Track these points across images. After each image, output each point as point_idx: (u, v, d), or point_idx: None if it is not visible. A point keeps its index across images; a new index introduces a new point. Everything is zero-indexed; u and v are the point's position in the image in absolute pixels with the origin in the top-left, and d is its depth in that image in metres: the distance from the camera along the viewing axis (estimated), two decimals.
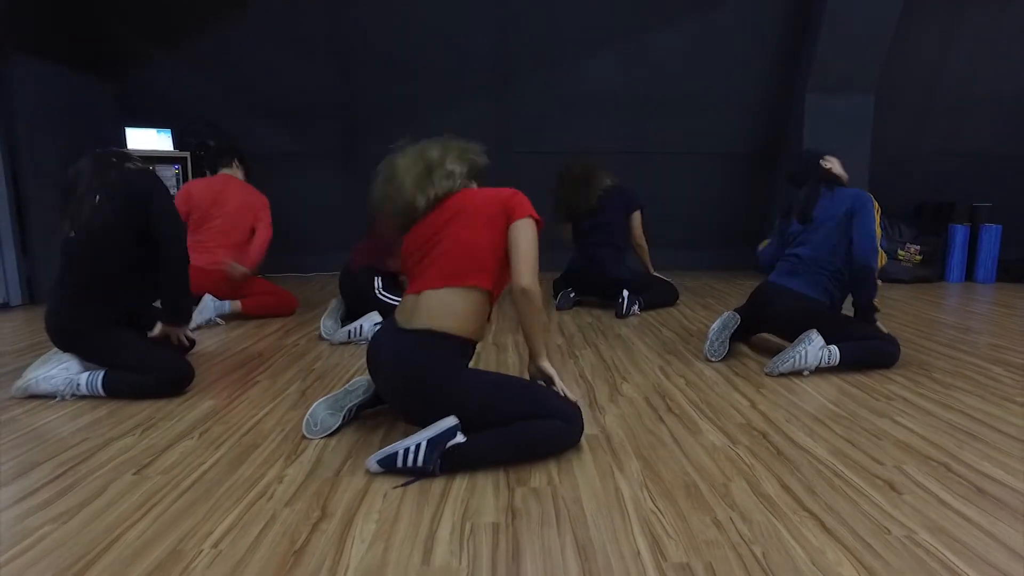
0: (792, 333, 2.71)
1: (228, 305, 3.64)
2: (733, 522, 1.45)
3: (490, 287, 1.84)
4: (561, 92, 5.23)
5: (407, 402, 1.84)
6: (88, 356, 2.38)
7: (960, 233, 5.30)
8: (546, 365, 1.93)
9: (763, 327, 2.97)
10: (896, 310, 3.97)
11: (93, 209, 2.30)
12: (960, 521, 1.45)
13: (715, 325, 2.88)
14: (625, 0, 4.94)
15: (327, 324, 3.29)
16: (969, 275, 5.37)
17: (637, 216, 4.08)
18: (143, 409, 2.23)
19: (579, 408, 1.87)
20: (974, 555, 1.31)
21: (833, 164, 2.96)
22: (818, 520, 1.46)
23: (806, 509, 1.51)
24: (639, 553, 1.32)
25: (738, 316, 2.90)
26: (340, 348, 3.10)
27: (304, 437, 1.96)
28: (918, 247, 5.26)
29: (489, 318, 1.92)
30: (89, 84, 4.68)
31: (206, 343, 3.17)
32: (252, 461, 1.80)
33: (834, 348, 2.61)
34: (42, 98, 4.25)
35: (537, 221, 1.87)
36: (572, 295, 4.08)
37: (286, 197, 5.37)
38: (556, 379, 1.91)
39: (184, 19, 4.88)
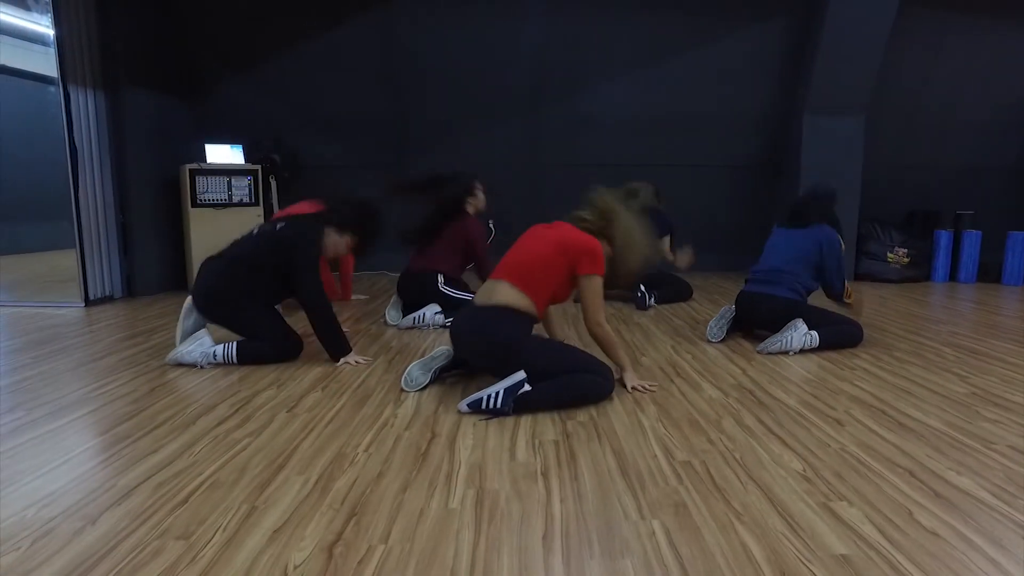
0: (778, 326, 3.33)
1: None
2: (721, 440, 2.08)
3: (537, 302, 2.49)
4: (586, 113, 5.88)
5: (487, 359, 2.48)
6: (220, 318, 3.03)
7: (944, 238, 5.88)
8: (627, 377, 2.63)
9: (754, 325, 3.59)
10: (881, 306, 4.57)
11: (262, 230, 3.02)
12: (881, 442, 2.08)
13: (716, 316, 3.53)
14: (642, 32, 5.58)
15: (391, 314, 3.95)
16: (952, 275, 5.95)
17: (667, 240, 4.66)
18: (269, 373, 2.89)
19: (611, 369, 2.51)
20: (883, 458, 1.94)
21: None
22: (781, 440, 2.09)
23: (773, 433, 2.14)
24: (656, 455, 1.96)
25: (734, 308, 3.53)
26: (406, 332, 3.76)
27: (402, 391, 2.61)
28: (905, 250, 5.84)
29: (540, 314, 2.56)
30: (174, 105, 5.38)
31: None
32: (370, 404, 2.45)
33: (814, 333, 3.23)
34: (141, 121, 4.96)
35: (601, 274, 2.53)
36: None
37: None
38: (637, 385, 2.61)
39: (255, 45, 5.59)
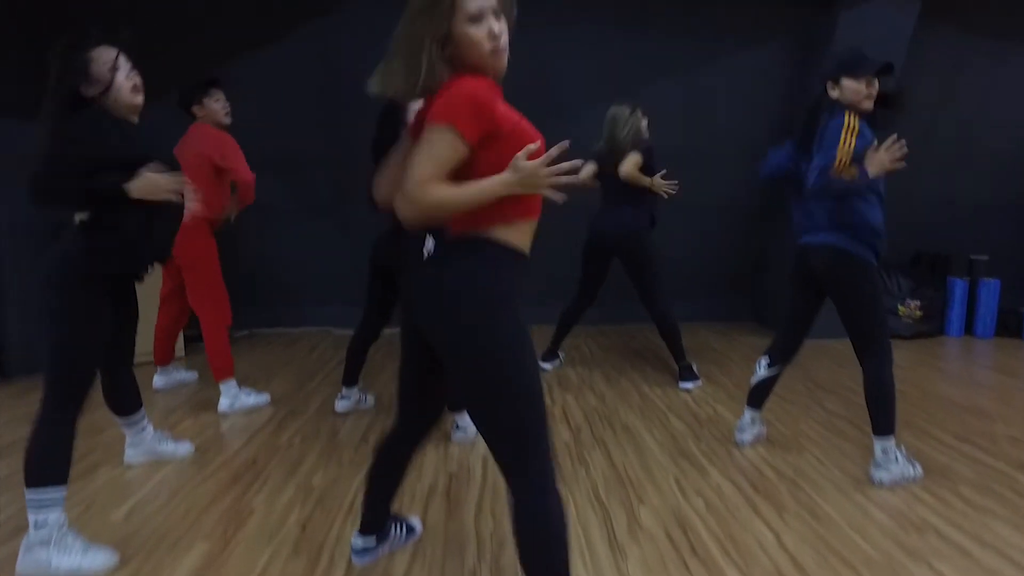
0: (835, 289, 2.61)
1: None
2: None
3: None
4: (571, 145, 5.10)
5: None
6: None
7: (959, 287, 5.26)
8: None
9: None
10: (901, 380, 3.88)
11: None
12: None
13: (745, 418, 2.91)
14: (630, 60, 4.84)
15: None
16: (968, 329, 5.33)
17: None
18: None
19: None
20: None
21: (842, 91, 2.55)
22: None
23: None
24: None
25: (770, 374, 2.85)
26: (341, 448, 2.93)
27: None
28: (918, 302, 5.20)
29: None
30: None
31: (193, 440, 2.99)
32: None
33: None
34: (11, 154, 4.03)
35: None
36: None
37: (275, 250, 5.22)
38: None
39: (178, 70, 4.70)
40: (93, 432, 2.99)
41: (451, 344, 1.41)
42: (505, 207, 1.40)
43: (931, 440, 3.01)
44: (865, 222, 2.53)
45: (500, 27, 1.40)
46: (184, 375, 3.93)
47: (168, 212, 2.13)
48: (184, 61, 4.65)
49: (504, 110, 1.41)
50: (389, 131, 2.73)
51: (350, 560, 1.96)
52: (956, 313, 5.30)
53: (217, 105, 3.38)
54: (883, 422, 2.54)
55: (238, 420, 3.32)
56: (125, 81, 2.07)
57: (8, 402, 3.60)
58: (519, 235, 1.46)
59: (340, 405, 3.38)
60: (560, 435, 3.08)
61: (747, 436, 2.94)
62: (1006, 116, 5.26)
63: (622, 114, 3.75)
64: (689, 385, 3.82)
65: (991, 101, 5.21)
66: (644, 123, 3.82)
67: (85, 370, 2.02)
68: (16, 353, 4.08)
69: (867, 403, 2.58)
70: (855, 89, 2.50)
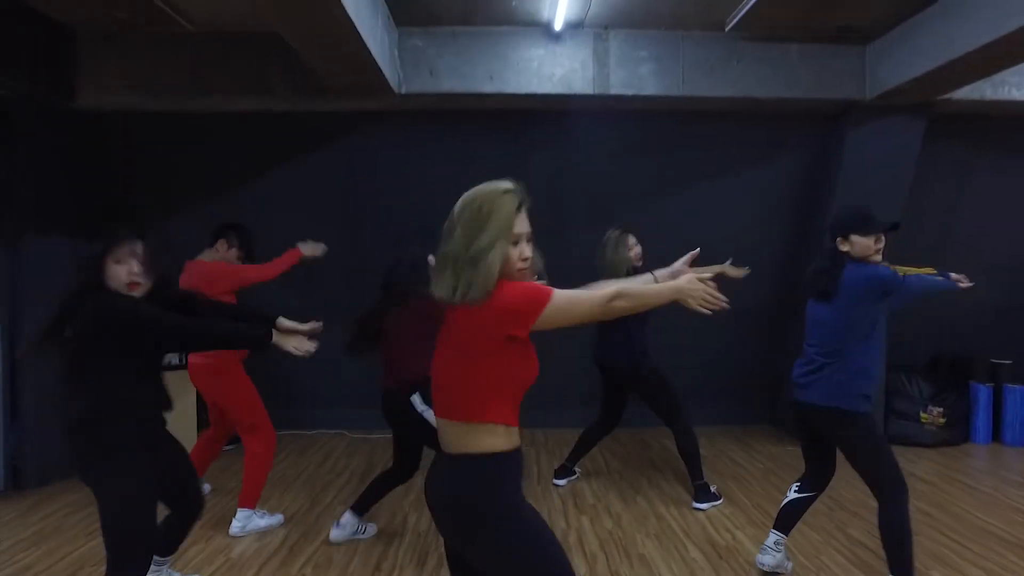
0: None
1: None
2: None
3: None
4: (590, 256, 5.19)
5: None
6: None
7: (983, 393, 5.16)
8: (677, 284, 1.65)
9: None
10: (927, 502, 3.76)
11: None
12: None
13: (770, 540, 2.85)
14: (645, 171, 4.98)
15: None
16: (996, 435, 5.19)
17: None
18: None
19: None
20: None
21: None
22: None
23: None
24: None
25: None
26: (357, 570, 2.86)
27: None
28: (941, 409, 5.08)
29: None
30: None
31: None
32: None
33: None
34: (44, 275, 4.13)
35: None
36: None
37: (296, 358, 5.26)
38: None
39: (197, 185, 4.89)
40: None
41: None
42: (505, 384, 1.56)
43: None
44: (860, 368, 2.56)
45: (529, 250, 1.58)
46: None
47: None
48: (215, 176, 4.87)
49: None
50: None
51: None
52: (982, 420, 5.18)
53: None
54: (899, 564, 2.47)
55: (250, 545, 3.26)
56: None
57: (19, 519, 3.57)
58: (508, 436, 1.59)
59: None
60: (576, 567, 2.98)
61: (768, 559, 2.85)
62: (1018, 222, 5.30)
63: (610, 238, 3.83)
64: (704, 506, 3.73)
65: (1002, 207, 5.27)
66: (628, 243, 3.84)
67: None
68: (31, 465, 4.08)
69: (883, 542, 2.53)
70: (865, 245, 2.61)
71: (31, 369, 4.08)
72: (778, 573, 2.88)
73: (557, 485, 4.10)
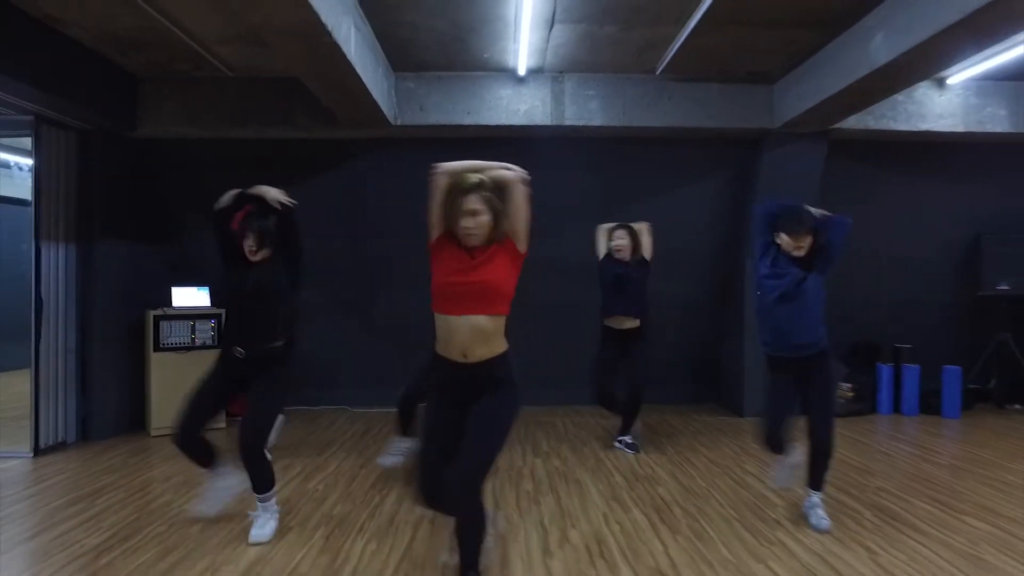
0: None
1: None
2: None
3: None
4: (546, 257, 6.14)
5: None
6: None
7: (886, 372, 6.13)
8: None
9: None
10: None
11: None
12: None
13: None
14: (595, 188, 6.00)
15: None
16: (896, 407, 6.15)
17: None
18: (207, 554, 2.95)
19: None
20: None
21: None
22: None
23: None
24: None
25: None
26: (355, 492, 3.83)
27: None
28: (851, 385, 6.06)
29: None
30: (145, 252, 5.62)
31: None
32: None
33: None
34: (110, 271, 5.17)
35: None
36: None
37: (302, 340, 6.23)
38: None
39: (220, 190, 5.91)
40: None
41: None
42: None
43: None
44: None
45: (475, 222, 2.37)
46: None
47: None
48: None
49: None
50: None
51: (362, 563, 2.85)
52: (885, 395, 6.14)
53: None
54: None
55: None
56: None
57: (94, 458, 4.55)
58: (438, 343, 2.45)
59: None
60: (524, 486, 3.96)
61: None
62: (912, 230, 6.33)
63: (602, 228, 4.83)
64: (620, 444, 4.71)
65: (899, 219, 6.30)
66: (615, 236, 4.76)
67: None
68: (97, 422, 5.07)
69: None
70: (788, 242, 3.28)
71: (100, 348, 5.09)
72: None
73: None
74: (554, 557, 2.92)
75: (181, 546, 3.04)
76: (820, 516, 3.27)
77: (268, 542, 3.08)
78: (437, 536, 3.16)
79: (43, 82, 4.20)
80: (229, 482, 3.33)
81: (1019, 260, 6.05)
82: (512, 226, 2.43)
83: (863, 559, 2.89)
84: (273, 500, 3.20)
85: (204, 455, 3.24)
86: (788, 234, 3.27)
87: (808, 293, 3.28)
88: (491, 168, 2.44)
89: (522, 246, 2.48)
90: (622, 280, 4.63)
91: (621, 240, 4.73)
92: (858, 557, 2.91)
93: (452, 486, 2.33)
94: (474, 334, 2.36)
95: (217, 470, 3.31)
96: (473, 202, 2.37)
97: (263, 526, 3.14)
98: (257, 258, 3.16)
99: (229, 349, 3.16)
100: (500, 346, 2.44)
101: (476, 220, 2.37)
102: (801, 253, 3.28)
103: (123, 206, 5.32)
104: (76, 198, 4.99)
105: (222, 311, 5.54)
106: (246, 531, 3.18)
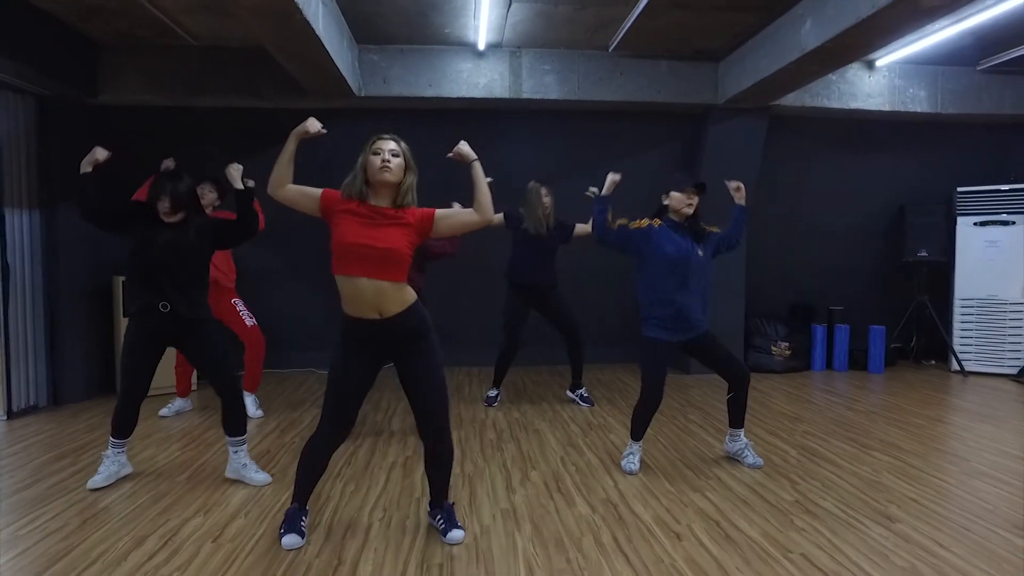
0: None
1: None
2: (577, 559, 2.54)
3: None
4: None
5: None
6: None
7: (820, 331, 6.66)
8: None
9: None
10: (758, 403, 5.18)
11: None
12: (705, 556, 2.57)
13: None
14: (550, 158, 6.28)
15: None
16: (829, 364, 6.70)
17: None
18: (198, 497, 3.19)
19: None
20: (701, 572, 2.43)
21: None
22: (626, 557, 2.56)
23: (621, 551, 2.61)
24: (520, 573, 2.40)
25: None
26: None
27: None
28: (787, 344, 6.57)
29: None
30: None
31: (213, 441, 4.13)
32: None
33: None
34: (75, 236, 5.23)
35: None
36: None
37: (270, 304, 6.41)
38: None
39: (199, 166, 5.98)
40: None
41: None
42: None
43: (751, 436, 4.28)
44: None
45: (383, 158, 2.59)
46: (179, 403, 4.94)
47: None
48: (212, 161, 5.96)
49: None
50: None
51: (343, 501, 3.14)
52: (819, 352, 6.68)
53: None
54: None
55: (252, 425, 4.46)
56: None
57: (70, 419, 4.69)
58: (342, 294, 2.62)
59: None
60: (487, 435, 4.29)
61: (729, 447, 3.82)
62: (845, 201, 6.83)
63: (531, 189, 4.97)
64: (574, 395, 5.13)
65: (833, 190, 6.79)
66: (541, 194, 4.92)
67: None
68: (68, 385, 5.18)
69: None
70: (679, 199, 3.61)
71: (67, 314, 5.17)
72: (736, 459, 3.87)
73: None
74: (516, 493, 3.26)
75: (172, 492, 3.28)
76: (755, 456, 3.69)
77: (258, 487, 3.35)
78: (408, 478, 3.47)
79: (1, 48, 4.22)
80: (124, 460, 3.48)
81: (937, 229, 6.61)
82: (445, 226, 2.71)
83: (786, 488, 3.32)
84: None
85: (131, 427, 3.44)
86: (678, 190, 3.55)
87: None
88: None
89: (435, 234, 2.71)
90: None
91: (548, 197, 4.95)
92: (781, 487, 3.34)
93: (438, 432, 2.68)
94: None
95: (123, 445, 3.45)
96: (390, 143, 2.65)
97: (259, 471, 3.42)
98: (173, 220, 3.35)
99: (148, 307, 3.28)
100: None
101: (394, 159, 2.62)
102: (691, 211, 3.54)
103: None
104: (37, 164, 5.02)
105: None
106: (229, 480, 3.43)
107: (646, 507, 3.08)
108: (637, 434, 3.66)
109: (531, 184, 4.94)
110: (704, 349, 3.66)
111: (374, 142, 2.65)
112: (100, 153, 3.42)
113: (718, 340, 3.66)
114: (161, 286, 3.26)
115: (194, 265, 3.37)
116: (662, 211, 3.72)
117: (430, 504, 2.83)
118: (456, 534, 2.68)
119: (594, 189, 4.21)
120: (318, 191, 2.71)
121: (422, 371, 2.65)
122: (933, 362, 6.92)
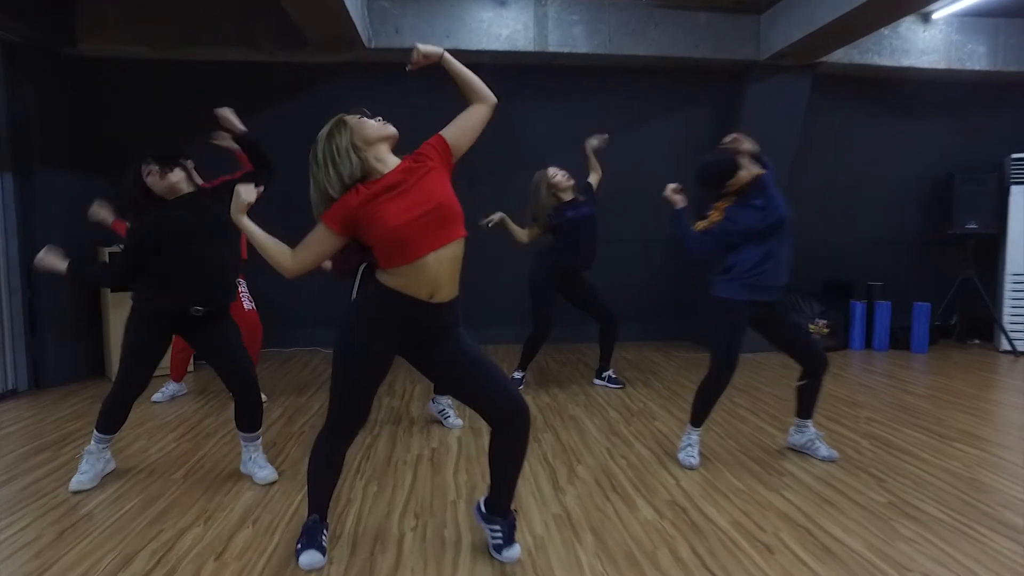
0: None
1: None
2: None
3: None
4: (524, 188, 5.96)
5: None
6: None
7: (859, 308, 6.23)
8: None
9: None
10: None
11: None
12: (808, 574, 2.15)
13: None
14: (590, 121, 5.74)
15: None
16: (868, 343, 6.28)
17: None
18: (196, 502, 2.75)
19: None
20: None
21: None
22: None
23: (707, 568, 2.18)
24: None
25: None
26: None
27: None
28: (825, 321, 6.15)
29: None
30: (95, 184, 5.13)
31: (218, 430, 3.68)
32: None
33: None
34: (55, 203, 4.72)
35: None
36: None
37: (272, 277, 5.91)
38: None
39: (188, 126, 5.46)
40: None
41: None
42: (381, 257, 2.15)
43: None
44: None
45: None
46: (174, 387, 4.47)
47: None
48: (203, 120, 5.44)
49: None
50: None
51: (366, 504, 2.69)
52: (857, 331, 6.26)
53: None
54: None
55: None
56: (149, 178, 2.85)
57: (54, 405, 4.23)
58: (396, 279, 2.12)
59: None
60: None
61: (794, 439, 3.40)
62: (888, 169, 6.35)
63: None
64: (600, 382, 4.73)
65: (876, 157, 6.30)
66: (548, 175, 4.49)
67: None
68: (51, 369, 4.71)
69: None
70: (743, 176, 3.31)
71: (49, 292, 4.68)
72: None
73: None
74: (566, 493, 2.83)
75: (166, 493, 2.83)
76: (827, 448, 3.26)
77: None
78: (438, 475, 3.03)
79: None
80: (109, 455, 3.05)
81: (988, 199, 6.14)
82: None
83: (872, 487, 2.90)
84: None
85: (121, 424, 2.99)
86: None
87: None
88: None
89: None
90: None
91: (559, 173, 4.57)
92: (867, 485, 2.92)
93: (521, 417, 2.17)
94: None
95: (109, 441, 3.00)
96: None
97: (265, 466, 3.00)
98: (177, 191, 2.93)
99: (176, 307, 2.86)
100: None
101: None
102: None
103: (63, 132, 4.83)
104: (8, 121, 4.49)
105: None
106: (232, 475, 3.00)
107: (719, 511, 2.65)
108: (698, 419, 3.23)
109: (536, 175, 4.54)
110: (777, 322, 3.24)
111: (345, 122, 2.23)
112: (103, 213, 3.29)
113: (792, 315, 3.22)
114: (199, 282, 2.86)
115: (234, 234, 2.94)
116: (717, 199, 3.38)
117: (486, 506, 2.32)
118: (514, 551, 2.23)
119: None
120: (325, 229, 2.22)
121: (473, 356, 2.24)
122: (977, 341, 6.50)
